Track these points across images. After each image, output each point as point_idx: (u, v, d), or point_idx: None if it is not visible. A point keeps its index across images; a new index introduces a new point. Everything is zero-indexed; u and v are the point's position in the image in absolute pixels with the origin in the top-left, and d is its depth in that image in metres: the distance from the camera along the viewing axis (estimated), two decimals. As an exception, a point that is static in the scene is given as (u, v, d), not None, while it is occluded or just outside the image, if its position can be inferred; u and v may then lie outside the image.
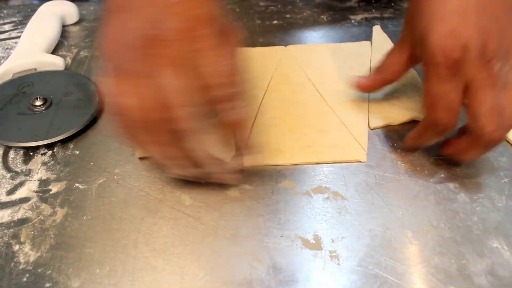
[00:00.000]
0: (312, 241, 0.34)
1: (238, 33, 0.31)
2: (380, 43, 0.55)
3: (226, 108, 0.30)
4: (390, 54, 0.41)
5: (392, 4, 0.66)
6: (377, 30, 0.57)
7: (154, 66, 0.28)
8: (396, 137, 0.43)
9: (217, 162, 0.33)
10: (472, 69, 0.32)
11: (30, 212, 0.35)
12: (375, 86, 0.42)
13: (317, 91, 0.47)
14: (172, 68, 0.28)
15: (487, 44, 0.32)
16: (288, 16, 0.62)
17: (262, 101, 0.45)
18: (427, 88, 0.34)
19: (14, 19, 0.60)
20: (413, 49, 0.37)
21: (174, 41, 0.28)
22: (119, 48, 0.29)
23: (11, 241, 0.33)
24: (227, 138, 0.33)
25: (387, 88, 0.44)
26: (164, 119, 0.28)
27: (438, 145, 0.39)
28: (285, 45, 0.54)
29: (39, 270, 0.31)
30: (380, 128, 0.43)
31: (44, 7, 0.57)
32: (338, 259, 0.33)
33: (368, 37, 0.57)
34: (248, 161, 0.36)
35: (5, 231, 0.34)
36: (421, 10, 0.35)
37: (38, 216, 0.35)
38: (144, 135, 0.30)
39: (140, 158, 0.35)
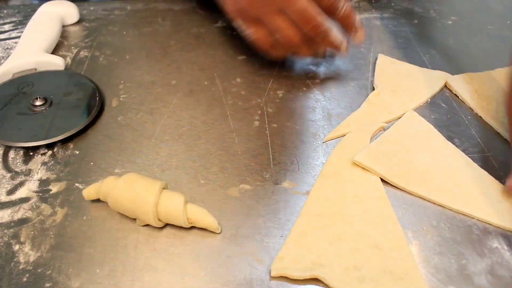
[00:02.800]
0: (312, 241, 0.34)
1: None
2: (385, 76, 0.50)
3: (335, 9, 0.44)
4: None
5: (392, 4, 0.66)
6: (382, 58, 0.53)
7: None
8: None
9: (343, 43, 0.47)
10: None
11: (30, 212, 0.35)
12: None
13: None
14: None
15: None
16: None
17: None
18: None
19: (14, 19, 0.60)
20: None
21: None
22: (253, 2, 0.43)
23: (11, 241, 0.33)
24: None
25: None
26: (313, 27, 0.43)
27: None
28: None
29: (39, 270, 0.31)
30: None
31: (44, 7, 0.57)
32: (338, 259, 0.32)
33: (368, 37, 0.57)
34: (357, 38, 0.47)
35: (5, 231, 0.34)
36: None
37: (38, 216, 0.35)
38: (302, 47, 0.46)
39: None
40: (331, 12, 0.44)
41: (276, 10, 0.42)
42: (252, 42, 0.47)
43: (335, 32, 0.45)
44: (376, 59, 0.53)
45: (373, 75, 0.51)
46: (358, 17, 0.46)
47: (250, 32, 0.46)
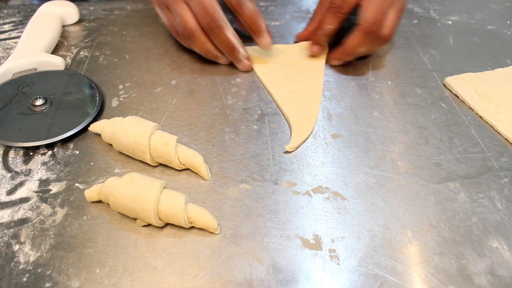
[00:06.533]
0: (312, 241, 0.34)
1: None
2: None
3: (240, 8, 0.47)
4: None
5: (392, 4, 0.66)
6: None
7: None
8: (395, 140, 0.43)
9: (236, 49, 0.49)
10: None
11: (30, 212, 0.35)
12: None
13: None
14: None
15: None
16: (288, 16, 0.62)
17: None
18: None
19: (14, 19, 0.60)
20: None
21: None
22: None
23: (11, 241, 0.33)
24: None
25: None
26: (210, 21, 0.45)
27: (436, 147, 0.39)
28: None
29: (39, 270, 0.31)
30: None
31: (44, 7, 0.57)
32: (338, 259, 0.33)
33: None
34: (263, 45, 0.50)
35: (5, 231, 0.34)
36: None
37: (38, 216, 0.35)
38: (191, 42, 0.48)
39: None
40: (235, 10, 0.47)
41: (179, 2, 0.46)
42: (167, 29, 0.51)
43: (232, 33, 0.47)
44: (375, 59, 0.53)
45: (373, 75, 0.51)
46: (264, 22, 0.49)
47: (163, 18, 0.51)
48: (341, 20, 0.49)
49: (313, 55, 0.53)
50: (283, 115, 0.45)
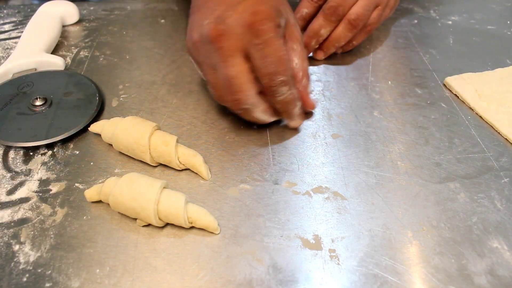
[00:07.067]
0: (312, 241, 0.34)
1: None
2: None
3: (273, 92, 0.38)
4: None
5: (392, 4, 0.66)
6: None
7: (222, 57, 0.36)
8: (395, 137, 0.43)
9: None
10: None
11: (30, 212, 0.35)
12: None
13: None
14: (237, 58, 0.36)
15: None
16: (288, 16, 0.62)
17: None
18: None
19: (14, 19, 0.60)
20: None
21: (238, 34, 0.35)
22: (197, 45, 0.38)
23: (11, 241, 0.33)
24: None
25: None
26: (233, 100, 0.38)
27: (435, 147, 0.39)
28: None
29: (39, 270, 0.31)
30: None
31: (44, 7, 0.57)
32: (338, 259, 0.33)
33: (369, 37, 0.57)
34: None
35: (5, 231, 0.34)
36: None
37: (38, 216, 0.35)
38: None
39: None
40: (269, 94, 0.38)
41: (210, 65, 0.38)
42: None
43: (262, 111, 0.40)
44: (375, 59, 0.53)
45: (373, 75, 0.51)
46: (299, 107, 0.41)
47: (198, 69, 0.42)
48: (317, 6, 0.50)
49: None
50: None
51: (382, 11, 0.51)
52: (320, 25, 0.49)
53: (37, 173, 0.38)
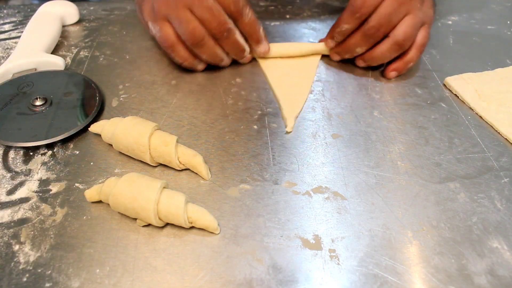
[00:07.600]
0: (312, 241, 0.34)
1: None
2: None
3: (238, 17, 0.46)
4: None
5: (392, 4, 0.66)
6: None
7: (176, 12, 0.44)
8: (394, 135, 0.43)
9: (245, 50, 0.50)
10: None
11: (30, 212, 0.35)
12: None
13: None
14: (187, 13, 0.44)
15: None
16: (288, 16, 0.62)
17: None
18: None
19: (14, 19, 0.60)
20: None
21: None
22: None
23: (11, 241, 0.33)
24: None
25: None
26: (220, 23, 0.45)
27: (440, 142, 0.39)
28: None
29: (39, 270, 0.31)
30: None
31: (44, 7, 0.57)
32: (338, 259, 0.33)
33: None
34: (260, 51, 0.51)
35: (5, 231, 0.34)
36: None
37: (38, 216, 0.35)
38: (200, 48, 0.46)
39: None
40: (235, 18, 0.46)
41: (184, 6, 0.44)
42: (159, 41, 0.48)
43: (239, 35, 0.47)
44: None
45: (373, 75, 0.51)
46: (262, 28, 0.48)
47: (157, 30, 0.47)
48: (358, 22, 0.47)
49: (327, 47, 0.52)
50: (274, 97, 0.47)
51: (429, 28, 0.49)
52: (357, 43, 0.48)
53: (37, 173, 0.38)
